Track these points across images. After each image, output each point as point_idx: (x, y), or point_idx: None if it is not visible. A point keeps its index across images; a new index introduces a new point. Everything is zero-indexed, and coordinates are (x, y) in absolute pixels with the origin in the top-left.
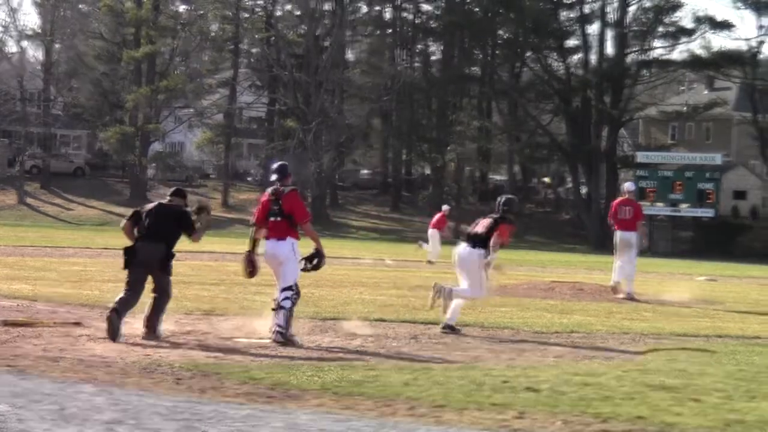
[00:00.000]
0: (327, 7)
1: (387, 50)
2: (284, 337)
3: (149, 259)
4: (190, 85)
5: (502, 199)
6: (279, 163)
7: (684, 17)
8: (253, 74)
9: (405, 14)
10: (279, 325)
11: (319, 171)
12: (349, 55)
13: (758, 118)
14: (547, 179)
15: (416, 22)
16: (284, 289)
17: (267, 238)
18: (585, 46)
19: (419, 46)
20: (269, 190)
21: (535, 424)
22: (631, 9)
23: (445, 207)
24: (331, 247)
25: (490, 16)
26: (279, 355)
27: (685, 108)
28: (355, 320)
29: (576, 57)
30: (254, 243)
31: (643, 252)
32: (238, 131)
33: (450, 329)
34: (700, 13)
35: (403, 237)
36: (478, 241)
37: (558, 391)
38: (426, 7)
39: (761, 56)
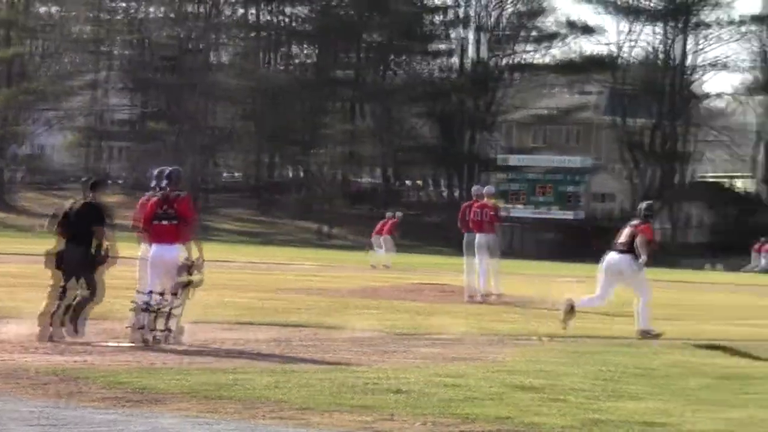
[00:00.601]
0: (199, 9)
1: (256, 53)
2: (182, 341)
3: (72, 261)
4: (53, 87)
5: (643, 205)
6: (171, 168)
7: (551, 22)
8: (124, 76)
9: (279, 17)
10: (170, 329)
11: (187, 173)
12: (223, 58)
13: (619, 122)
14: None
15: (292, 25)
16: (173, 294)
17: (152, 242)
18: (455, 50)
19: (291, 49)
20: (158, 194)
21: (398, 426)
22: (499, 13)
23: (398, 213)
24: None
25: (361, 19)
26: (145, 359)
27: (555, 111)
28: (221, 323)
29: (445, 60)
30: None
31: (505, 254)
32: (108, 134)
33: (647, 334)
34: (567, 18)
35: (272, 240)
36: (625, 249)
37: (425, 392)
38: (300, 10)
39: (623, 60)
